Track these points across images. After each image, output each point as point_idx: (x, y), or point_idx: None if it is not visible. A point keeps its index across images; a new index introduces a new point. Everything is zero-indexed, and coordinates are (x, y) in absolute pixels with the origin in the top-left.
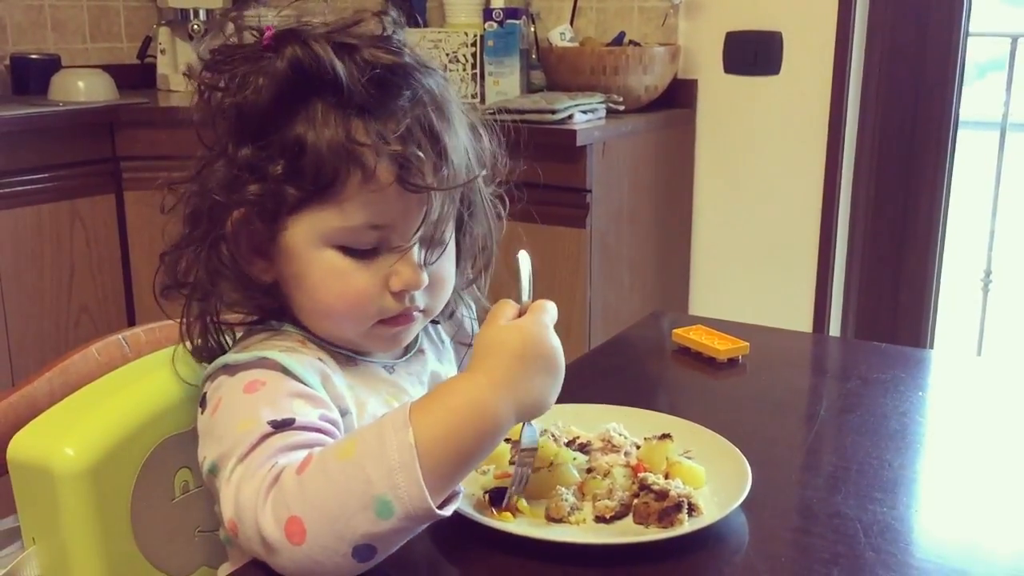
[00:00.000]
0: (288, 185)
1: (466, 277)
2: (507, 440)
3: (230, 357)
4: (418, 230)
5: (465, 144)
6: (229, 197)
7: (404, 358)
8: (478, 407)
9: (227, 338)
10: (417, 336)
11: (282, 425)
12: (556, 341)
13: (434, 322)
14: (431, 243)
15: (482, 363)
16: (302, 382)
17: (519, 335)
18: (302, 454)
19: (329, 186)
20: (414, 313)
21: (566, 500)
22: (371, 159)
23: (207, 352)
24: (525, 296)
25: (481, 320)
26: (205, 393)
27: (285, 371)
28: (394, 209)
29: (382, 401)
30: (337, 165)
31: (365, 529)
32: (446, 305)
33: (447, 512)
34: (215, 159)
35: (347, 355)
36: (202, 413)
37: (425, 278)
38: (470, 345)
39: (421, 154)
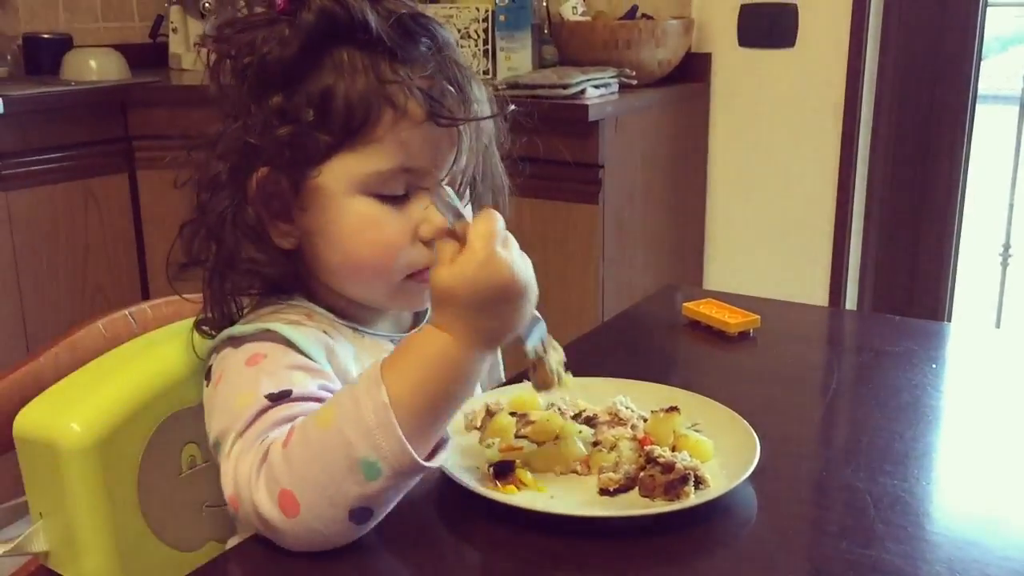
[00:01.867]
0: (319, 131)
1: None
2: (512, 414)
3: (235, 329)
4: (451, 167)
5: (483, 91)
6: (262, 140)
7: (412, 330)
8: (445, 358)
9: (238, 308)
10: (427, 313)
11: (279, 397)
12: (505, 260)
13: None
14: (458, 192)
15: (439, 315)
16: (305, 355)
17: (463, 280)
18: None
19: (360, 128)
20: None
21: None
22: (401, 97)
23: (219, 325)
24: (451, 220)
25: None
26: (211, 366)
27: (288, 343)
28: (426, 148)
29: None
30: (368, 106)
31: (356, 492)
32: None
33: (436, 463)
34: (235, 121)
35: (354, 328)
36: (207, 386)
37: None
38: None
39: (451, 89)
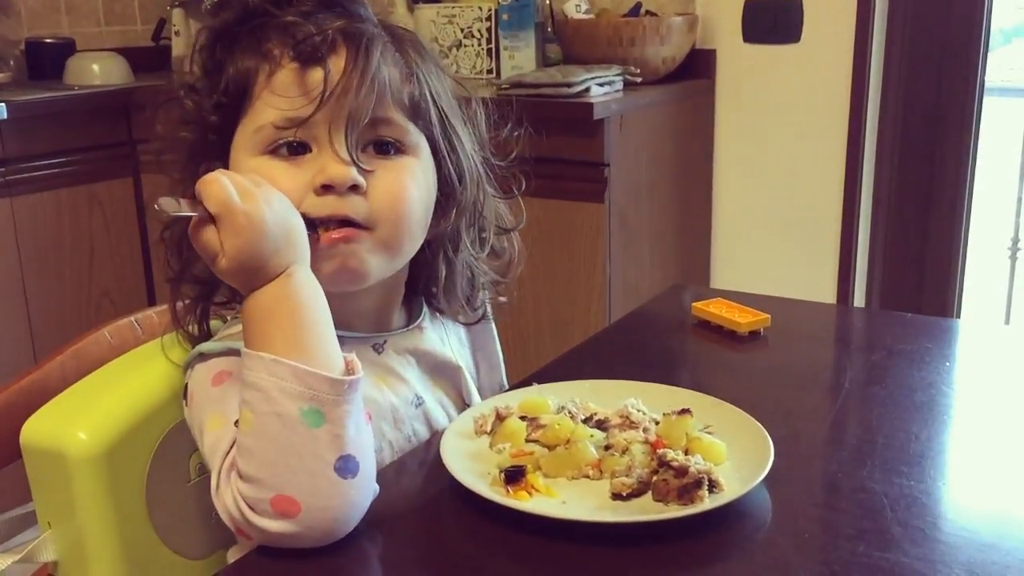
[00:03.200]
0: (215, 114)
1: (449, 235)
2: (523, 418)
3: (204, 346)
4: (321, 102)
5: (407, 54)
6: (187, 134)
7: (397, 331)
8: (269, 298)
9: (222, 322)
10: (422, 312)
11: None
12: (250, 213)
13: (439, 311)
14: (374, 146)
15: (242, 285)
16: None
17: (236, 251)
18: None
19: (244, 94)
20: (355, 232)
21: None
22: (276, 49)
23: (198, 339)
24: (187, 210)
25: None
26: (186, 384)
27: None
28: (301, 93)
29: (371, 383)
30: (248, 69)
31: (322, 447)
32: (451, 289)
33: (357, 373)
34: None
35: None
36: (185, 405)
37: (355, 174)
38: (477, 322)
39: (315, 27)
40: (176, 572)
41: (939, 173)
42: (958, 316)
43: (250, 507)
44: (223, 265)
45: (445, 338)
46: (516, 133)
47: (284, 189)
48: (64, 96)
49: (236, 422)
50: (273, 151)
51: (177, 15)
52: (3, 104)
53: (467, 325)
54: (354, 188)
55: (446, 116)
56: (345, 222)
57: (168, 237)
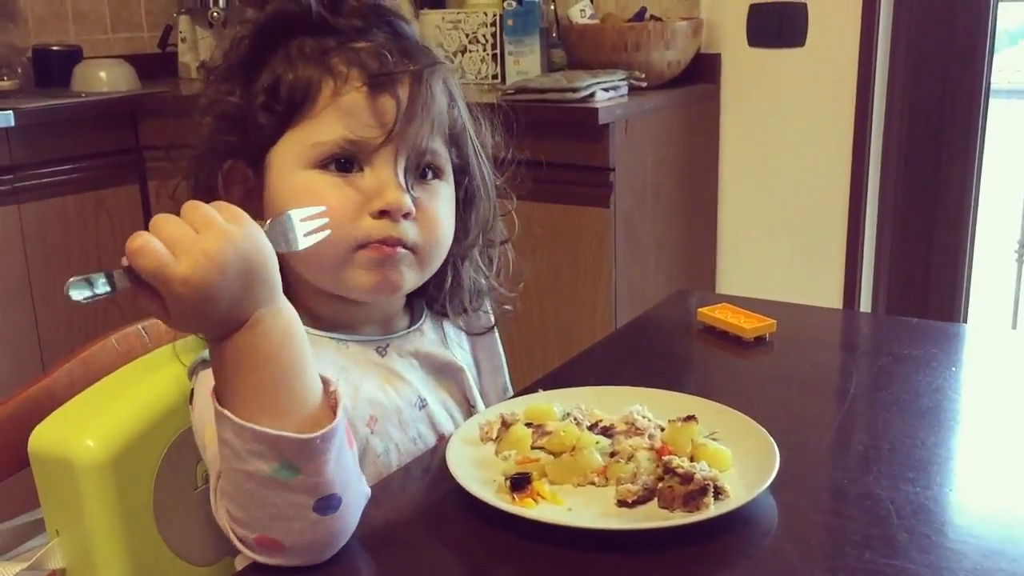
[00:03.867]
0: (264, 112)
1: (464, 247)
2: (528, 425)
3: (207, 352)
4: (391, 132)
5: (448, 82)
6: (217, 130)
7: (399, 333)
8: (240, 356)
9: None
10: (423, 314)
11: None
12: (214, 254)
13: (443, 315)
14: (417, 170)
15: (207, 325)
16: None
17: (196, 300)
18: None
19: (303, 103)
20: (399, 250)
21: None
22: (343, 67)
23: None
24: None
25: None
26: (192, 388)
27: None
28: (367, 116)
29: (376, 385)
30: (309, 82)
31: (300, 496)
32: (455, 297)
33: (337, 414)
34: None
35: (338, 339)
36: (191, 410)
37: (409, 202)
38: (481, 334)
39: (389, 54)
40: None
41: (945, 176)
42: (964, 321)
43: (238, 539)
44: (172, 326)
45: (446, 340)
46: (511, 150)
47: (334, 205)
48: (71, 103)
49: None
50: (322, 165)
51: (184, 22)
52: (10, 111)
53: (473, 335)
54: (406, 214)
55: (475, 142)
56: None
57: None
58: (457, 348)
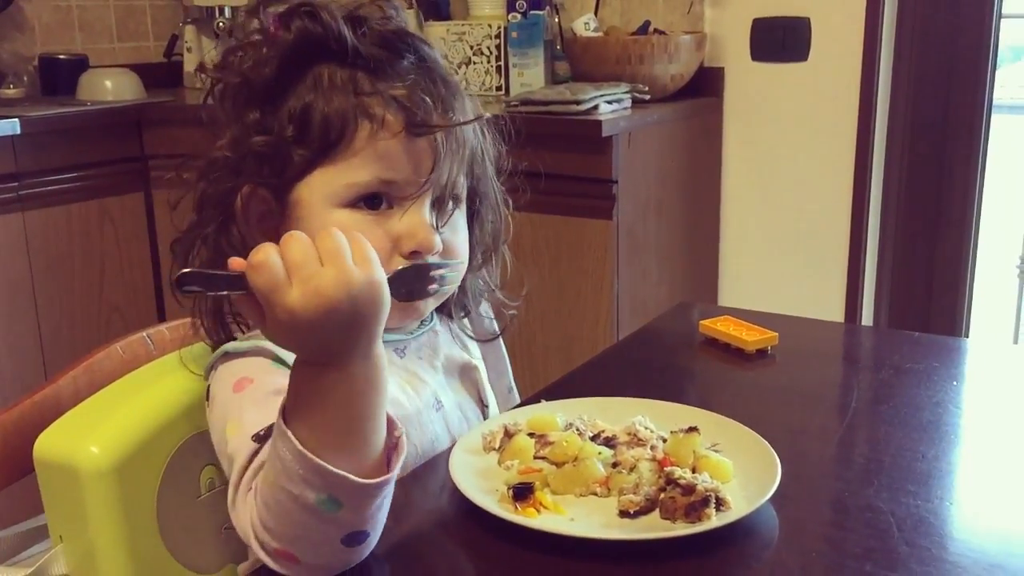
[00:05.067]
0: (296, 146)
1: (475, 266)
2: (531, 435)
3: (230, 345)
4: (429, 178)
5: (469, 105)
6: (237, 153)
7: (414, 334)
8: (328, 390)
9: (244, 329)
10: (432, 314)
11: (265, 437)
12: (329, 294)
13: (449, 316)
14: (441, 206)
15: (300, 351)
16: None
17: (295, 328)
18: None
19: (338, 142)
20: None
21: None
22: (379, 109)
23: (218, 341)
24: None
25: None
26: (209, 386)
27: (278, 360)
28: (404, 160)
29: (397, 386)
30: (345, 120)
31: (333, 527)
32: (461, 300)
33: (396, 465)
34: (223, 137)
35: None
36: (208, 407)
37: (439, 241)
38: (488, 340)
39: (428, 100)
40: None
41: (947, 191)
42: (966, 335)
43: (258, 541)
44: (264, 335)
45: (458, 339)
46: (509, 159)
47: None
48: (77, 112)
49: (254, 436)
50: (352, 204)
51: (189, 32)
52: (16, 119)
53: (480, 341)
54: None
55: (489, 166)
56: None
57: (179, 251)
58: (469, 348)
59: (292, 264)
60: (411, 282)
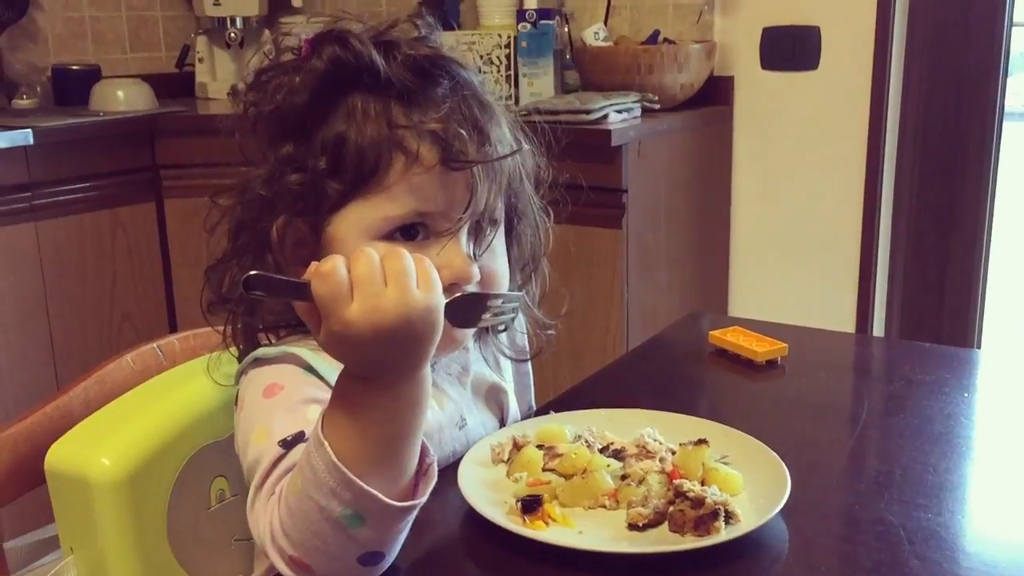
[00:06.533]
0: (330, 179)
1: (515, 285)
2: (540, 447)
3: (260, 351)
4: (466, 211)
5: (507, 131)
6: (271, 191)
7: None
8: (371, 405)
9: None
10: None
11: (292, 443)
12: (387, 313)
13: (484, 332)
14: (478, 234)
15: (351, 363)
16: (325, 381)
17: (347, 341)
18: None
19: (372, 175)
20: None
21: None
22: (413, 142)
23: (246, 352)
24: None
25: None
26: (238, 391)
27: (309, 369)
28: (440, 193)
29: None
30: (379, 153)
31: (352, 544)
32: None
33: (425, 491)
34: (257, 167)
35: None
36: (236, 411)
37: (476, 271)
38: (524, 360)
39: (463, 132)
40: None
41: (959, 199)
42: (978, 346)
43: (274, 546)
44: (316, 341)
45: (490, 360)
46: (550, 167)
47: None
48: (89, 122)
49: (281, 442)
50: (388, 236)
51: (201, 42)
52: (29, 130)
53: (516, 361)
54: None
55: (527, 184)
56: None
57: (214, 278)
58: (501, 369)
59: (357, 279)
60: (466, 311)
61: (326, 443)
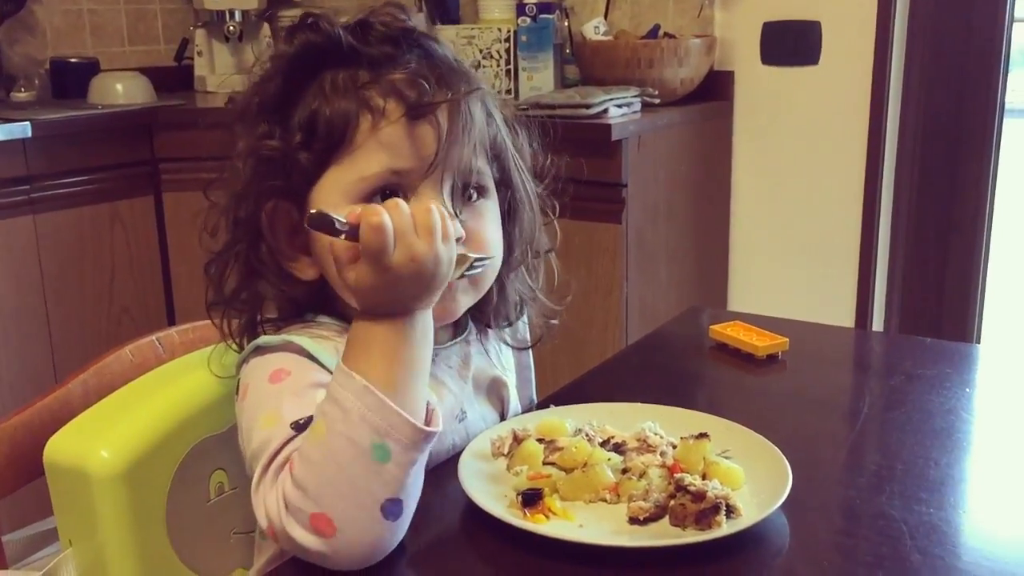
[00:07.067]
0: (303, 151)
1: (512, 264)
2: (540, 440)
3: (262, 340)
4: (436, 158)
5: (486, 101)
6: (252, 170)
7: (445, 345)
8: (392, 337)
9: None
10: (467, 327)
11: (303, 426)
12: (423, 263)
13: (487, 326)
14: (462, 192)
15: (376, 303)
16: (326, 368)
17: (386, 284)
18: None
19: (342, 140)
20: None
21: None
22: (379, 100)
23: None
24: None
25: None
26: (239, 379)
27: (310, 357)
28: (409, 145)
29: None
30: (347, 117)
31: (378, 484)
32: (502, 309)
33: (437, 426)
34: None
35: None
36: (237, 400)
37: (458, 227)
38: (524, 348)
39: (425, 83)
40: None
41: (959, 195)
42: (978, 341)
43: (290, 513)
44: (349, 291)
45: (491, 353)
46: (551, 159)
47: None
48: (88, 115)
49: (293, 424)
50: (367, 199)
51: (200, 36)
52: (28, 122)
53: (518, 349)
54: (456, 239)
55: (515, 155)
56: None
57: (213, 273)
58: (502, 362)
59: (397, 226)
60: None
61: (355, 373)
